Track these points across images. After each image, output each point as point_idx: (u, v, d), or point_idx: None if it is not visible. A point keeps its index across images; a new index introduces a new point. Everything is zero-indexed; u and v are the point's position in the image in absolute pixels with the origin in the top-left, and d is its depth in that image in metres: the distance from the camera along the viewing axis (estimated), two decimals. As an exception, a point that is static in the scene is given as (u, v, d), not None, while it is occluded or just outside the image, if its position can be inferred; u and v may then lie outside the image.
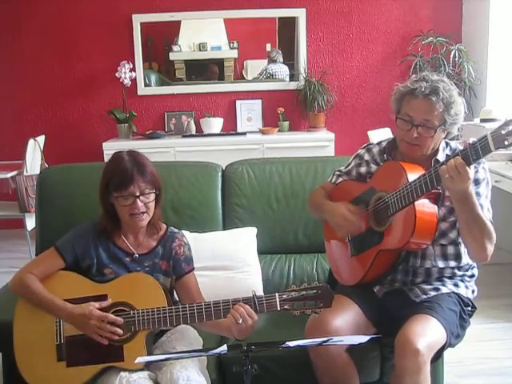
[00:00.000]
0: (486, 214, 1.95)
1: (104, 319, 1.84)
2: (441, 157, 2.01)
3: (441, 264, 2.05)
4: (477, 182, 1.97)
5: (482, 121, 4.25)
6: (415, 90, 1.95)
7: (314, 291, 1.77)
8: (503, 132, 1.65)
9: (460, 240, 2.03)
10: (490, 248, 1.91)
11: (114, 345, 1.86)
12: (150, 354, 1.86)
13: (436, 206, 1.92)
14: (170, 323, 1.86)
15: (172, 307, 1.86)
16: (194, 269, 2.08)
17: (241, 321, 1.77)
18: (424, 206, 1.89)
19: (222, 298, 1.85)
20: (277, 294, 1.79)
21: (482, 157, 1.72)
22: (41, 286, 1.92)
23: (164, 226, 2.09)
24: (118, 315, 1.87)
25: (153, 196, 1.97)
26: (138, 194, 1.91)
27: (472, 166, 1.77)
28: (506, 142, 1.65)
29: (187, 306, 1.86)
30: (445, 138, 2.03)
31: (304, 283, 1.82)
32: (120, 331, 1.85)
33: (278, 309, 1.79)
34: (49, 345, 1.90)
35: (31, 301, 1.93)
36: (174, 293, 2.09)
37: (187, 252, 2.06)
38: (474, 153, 1.72)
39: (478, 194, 1.96)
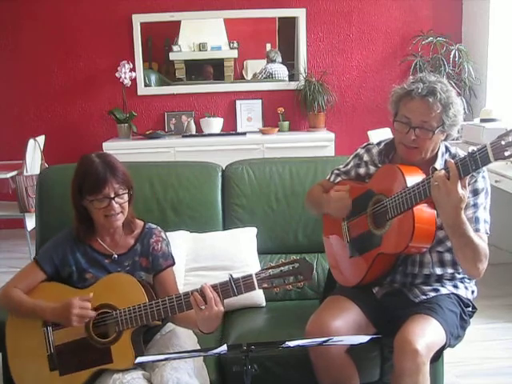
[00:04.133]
0: (482, 225, 1.93)
1: (84, 307, 1.85)
2: (438, 164, 1.98)
3: (438, 271, 2.04)
4: (476, 193, 1.95)
5: (482, 121, 4.24)
6: (412, 92, 1.93)
7: (293, 265, 1.76)
8: (503, 143, 1.61)
9: None
10: (481, 267, 1.88)
11: (101, 348, 1.87)
12: (138, 352, 1.86)
13: (435, 211, 1.88)
14: (152, 318, 1.85)
15: (152, 302, 1.86)
16: (173, 264, 2.06)
17: (203, 307, 1.76)
18: (422, 210, 1.87)
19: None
20: (253, 274, 1.78)
21: (480, 167, 1.69)
22: (25, 295, 1.94)
23: (141, 223, 2.08)
24: (101, 318, 1.89)
25: (127, 196, 1.97)
26: (112, 195, 1.91)
27: (466, 182, 1.74)
28: (506, 153, 1.61)
29: (166, 298, 1.86)
30: (445, 140, 2.01)
31: (281, 260, 1.80)
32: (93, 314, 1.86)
33: (257, 289, 1.77)
34: (40, 357, 1.91)
35: (18, 312, 1.94)
36: None
37: (165, 248, 2.05)
38: (473, 163, 1.69)
39: (475, 205, 1.93)
